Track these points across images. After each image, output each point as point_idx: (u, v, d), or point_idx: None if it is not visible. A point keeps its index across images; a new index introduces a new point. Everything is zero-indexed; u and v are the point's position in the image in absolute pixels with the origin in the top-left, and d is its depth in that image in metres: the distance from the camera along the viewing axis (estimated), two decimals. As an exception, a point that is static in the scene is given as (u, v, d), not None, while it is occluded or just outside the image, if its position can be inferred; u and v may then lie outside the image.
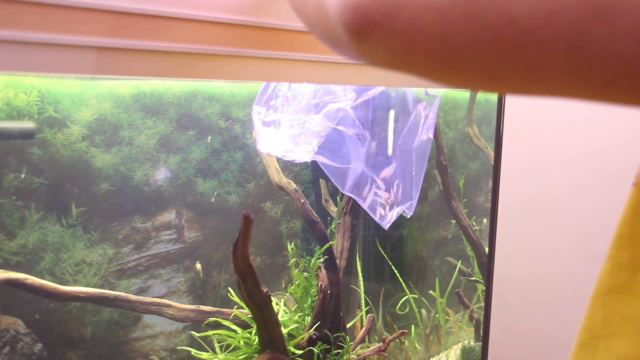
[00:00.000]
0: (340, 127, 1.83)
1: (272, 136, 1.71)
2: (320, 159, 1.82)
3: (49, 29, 0.67)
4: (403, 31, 0.30)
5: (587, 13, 0.25)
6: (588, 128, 1.29)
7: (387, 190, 1.99)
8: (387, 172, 2.00)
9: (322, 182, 2.16)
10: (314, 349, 1.75)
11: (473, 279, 2.62)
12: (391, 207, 1.98)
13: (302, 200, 1.86)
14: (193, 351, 1.74)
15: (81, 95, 1.59)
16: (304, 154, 1.74)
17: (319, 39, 0.46)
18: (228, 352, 1.72)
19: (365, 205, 1.97)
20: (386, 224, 1.97)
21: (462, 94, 2.62)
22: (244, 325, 1.74)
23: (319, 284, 1.81)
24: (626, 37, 0.24)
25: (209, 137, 1.89)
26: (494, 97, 1.96)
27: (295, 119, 1.73)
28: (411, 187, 2.01)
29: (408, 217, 2.04)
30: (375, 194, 1.98)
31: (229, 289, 1.87)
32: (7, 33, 0.63)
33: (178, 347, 1.90)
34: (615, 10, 0.24)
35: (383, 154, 2.04)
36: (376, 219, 1.97)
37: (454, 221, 2.58)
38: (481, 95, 2.61)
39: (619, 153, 1.24)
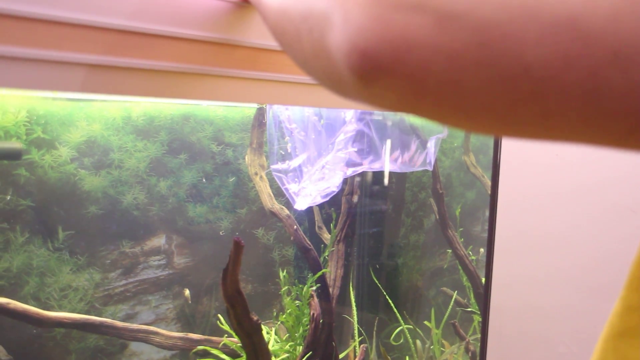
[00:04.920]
0: (353, 149, 1.86)
1: (302, 191, 1.74)
2: (356, 170, 1.85)
3: (36, 44, 0.64)
4: (413, 76, 0.29)
5: (604, 61, 0.23)
6: (587, 159, 1.27)
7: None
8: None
9: (315, 208, 2.14)
10: (305, 380, 1.71)
11: (469, 309, 2.58)
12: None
13: (295, 227, 1.83)
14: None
15: (70, 117, 1.56)
16: (338, 180, 1.78)
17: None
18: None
19: (414, 168, 2.06)
20: (432, 164, 2.07)
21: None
22: (233, 355, 1.70)
23: (311, 313, 1.77)
24: None
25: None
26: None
27: (314, 159, 1.77)
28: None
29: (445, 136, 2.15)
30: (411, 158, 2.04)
31: (219, 316, 1.83)
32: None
33: (165, 376, 1.86)
34: (634, 59, 0.23)
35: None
36: (427, 167, 2.10)
37: (450, 251, 2.55)
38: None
39: (618, 184, 1.23)
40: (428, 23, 0.27)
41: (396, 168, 2.00)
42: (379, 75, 0.30)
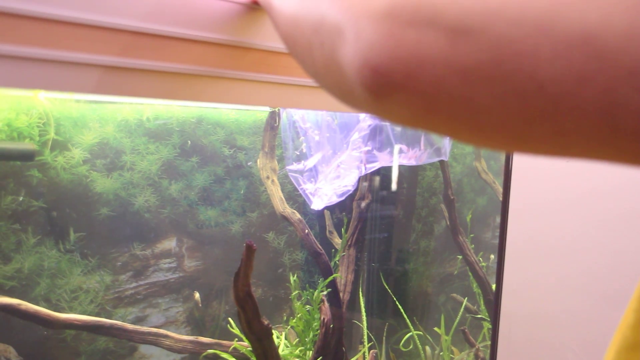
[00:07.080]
0: (368, 147, 1.87)
1: (319, 191, 1.74)
2: (373, 166, 1.86)
3: (50, 45, 0.65)
4: (425, 92, 0.29)
5: (620, 79, 0.23)
6: (598, 165, 1.27)
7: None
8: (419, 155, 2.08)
9: (326, 213, 2.13)
10: (315, 385, 1.71)
11: (479, 316, 2.57)
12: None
13: (306, 231, 1.83)
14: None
15: (83, 118, 1.57)
16: (354, 179, 1.79)
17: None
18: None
19: (422, 161, 2.09)
20: (447, 155, 2.11)
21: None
22: (243, 359, 1.70)
23: (322, 318, 1.77)
24: None
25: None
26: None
27: (328, 158, 1.77)
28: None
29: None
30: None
31: (229, 319, 1.83)
32: (6, 48, 0.61)
33: (175, 380, 1.86)
34: None
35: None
36: (442, 157, 2.15)
37: (460, 257, 2.54)
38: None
39: (630, 191, 1.22)
40: (440, 39, 0.27)
41: (412, 162, 2.01)
42: (391, 91, 0.30)
